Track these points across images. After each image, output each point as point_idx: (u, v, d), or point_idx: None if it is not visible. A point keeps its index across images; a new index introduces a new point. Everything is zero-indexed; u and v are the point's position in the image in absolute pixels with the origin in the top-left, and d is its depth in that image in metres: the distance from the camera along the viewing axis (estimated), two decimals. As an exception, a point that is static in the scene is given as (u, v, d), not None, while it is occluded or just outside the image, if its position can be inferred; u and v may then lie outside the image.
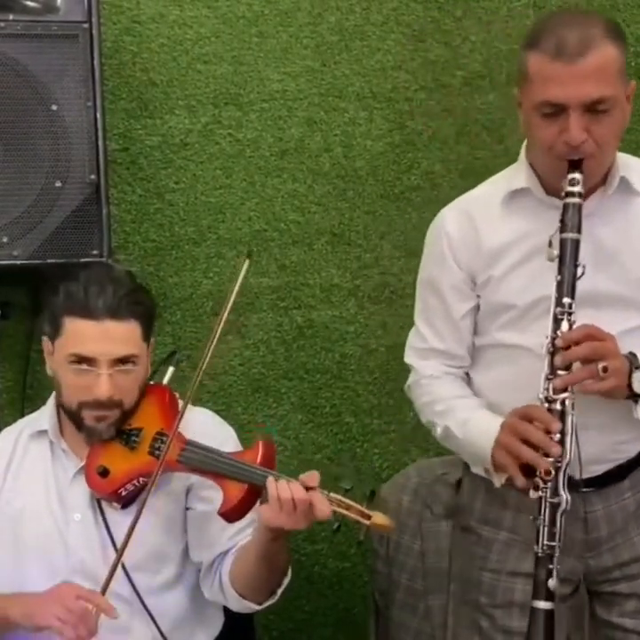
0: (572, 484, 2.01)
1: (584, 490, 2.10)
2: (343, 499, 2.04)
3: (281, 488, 2.02)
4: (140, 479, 2.14)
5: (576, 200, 1.97)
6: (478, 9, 3.11)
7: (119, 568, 2.12)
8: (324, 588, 3.07)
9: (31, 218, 2.54)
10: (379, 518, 2.03)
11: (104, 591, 2.06)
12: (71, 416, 2.20)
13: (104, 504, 2.20)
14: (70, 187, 2.57)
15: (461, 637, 2.37)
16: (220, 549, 2.21)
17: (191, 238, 2.99)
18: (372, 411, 3.08)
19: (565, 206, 1.97)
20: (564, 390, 1.95)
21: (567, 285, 1.96)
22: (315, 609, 3.06)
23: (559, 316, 1.96)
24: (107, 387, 2.12)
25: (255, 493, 2.09)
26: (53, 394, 2.31)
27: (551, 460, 1.93)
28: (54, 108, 2.54)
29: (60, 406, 2.24)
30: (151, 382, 2.27)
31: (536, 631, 1.94)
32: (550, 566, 1.94)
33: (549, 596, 1.94)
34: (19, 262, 2.55)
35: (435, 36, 3.08)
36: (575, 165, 1.97)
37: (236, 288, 2.12)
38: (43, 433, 2.28)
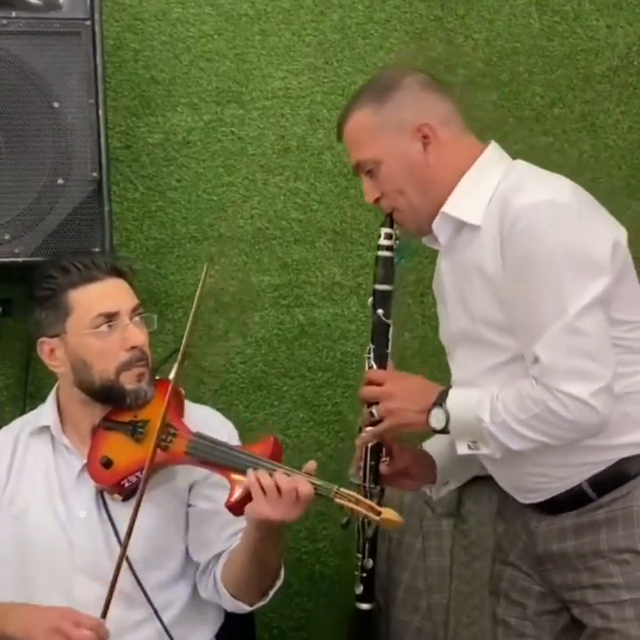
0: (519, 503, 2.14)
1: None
2: (352, 493, 2.04)
3: (262, 475, 2.02)
4: (144, 471, 2.14)
5: (386, 253, 2.15)
6: (481, 7, 3.11)
7: (125, 565, 2.12)
8: (324, 587, 3.06)
9: (33, 215, 2.54)
10: (389, 514, 2.03)
11: (104, 615, 2.06)
12: (108, 391, 2.18)
13: (107, 499, 2.20)
14: (72, 184, 2.57)
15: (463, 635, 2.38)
16: (217, 551, 2.22)
17: (193, 236, 2.99)
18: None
19: (376, 259, 2.16)
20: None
21: (371, 332, 2.17)
22: (315, 607, 3.06)
23: (368, 361, 2.17)
24: (138, 332, 2.19)
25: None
26: (52, 392, 2.31)
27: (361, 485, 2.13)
28: (56, 105, 2.54)
29: (88, 390, 2.20)
30: (158, 377, 2.27)
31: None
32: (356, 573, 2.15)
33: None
34: (20, 259, 2.55)
35: (437, 34, 3.07)
36: (388, 220, 2.15)
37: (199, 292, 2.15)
38: (44, 429, 2.28)
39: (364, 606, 2.17)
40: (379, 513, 2.02)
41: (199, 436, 2.15)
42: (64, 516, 2.22)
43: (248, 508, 2.04)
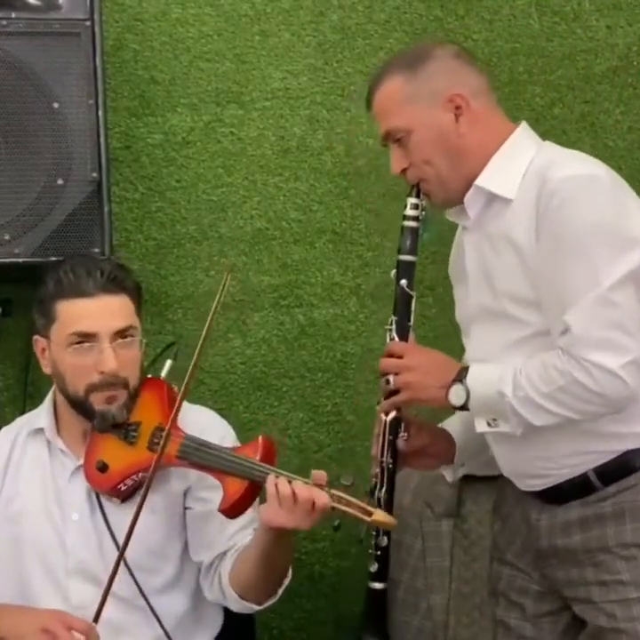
0: (517, 490, 2.14)
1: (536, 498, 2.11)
2: (344, 495, 2.04)
3: (280, 483, 2.01)
4: (140, 474, 2.14)
5: (412, 224, 2.12)
6: (480, 8, 3.11)
7: (123, 569, 2.12)
8: (324, 587, 3.06)
9: (33, 216, 2.54)
10: (380, 515, 2.03)
11: (96, 619, 2.05)
12: (79, 406, 2.17)
13: (103, 501, 2.20)
14: (72, 185, 2.57)
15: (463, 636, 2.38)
16: (220, 549, 2.21)
17: (193, 236, 2.99)
18: (373, 409, 3.06)
19: (402, 229, 2.14)
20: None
21: (394, 303, 2.14)
22: (315, 608, 3.06)
23: (389, 333, 2.14)
24: (112, 359, 2.12)
25: (255, 489, 2.08)
26: (50, 392, 2.30)
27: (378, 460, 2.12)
28: (56, 105, 2.55)
29: (65, 399, 2.21)
30: (149, 375, 2.26)
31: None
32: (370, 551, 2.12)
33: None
34: (20, 260, 2.55)
35: (437, 34, 3.07)
36: (414, 190, 2.12)
37: (218, 300, 2.12)
38: (39, 431, 2.27)
39: (378, 585, 2.14)
40: (370, 514, 2.02)
41: (190, 438, 2.14)
42: (58, 518, 2.22)
43: (262, 514, 2.04)
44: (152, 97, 2.95)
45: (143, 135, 2.94)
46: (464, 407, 2.01)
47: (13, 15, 2.53)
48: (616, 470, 2.01)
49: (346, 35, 3.04)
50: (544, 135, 2.91)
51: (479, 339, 2.11)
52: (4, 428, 2.36)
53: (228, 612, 2.30)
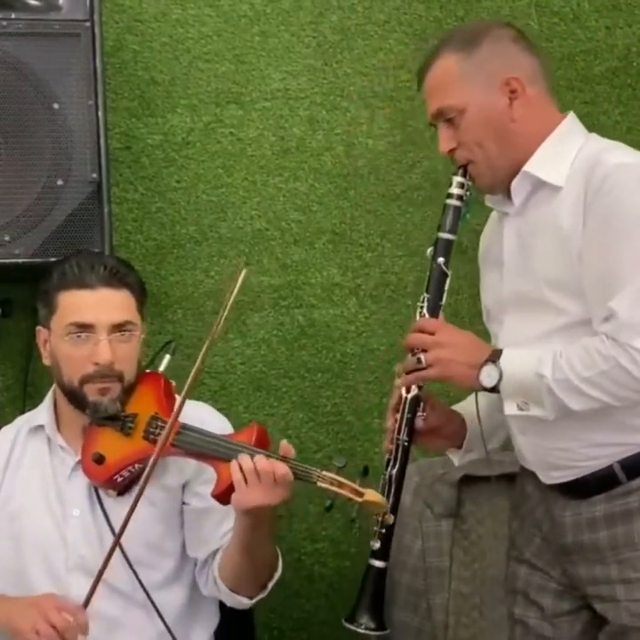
0: (542, 485, 2.11)
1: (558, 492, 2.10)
2: (335, 476, 2.05)
3: (243, 461, 2.04)
4: (136, 465, 2.15)
5: (455, 202, 2.10)
6: (480, 8, 3.11)
7: (122, 563, 2.13)
8: (324, 587, 3.06)
9: (33, 216, 2.55)
10: (371, 495, 2.03)
11: (86, 605, 2.06)
12: (73, 396, 2.19)
13: (102, 496, 2.21)
14: (72, 185, 2.57)
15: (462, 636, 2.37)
16: (215, 546, 2.22)
17: (192, 237, 2.99)
18: (373, 410, 3.08)
19: (444, 207, 2.11)
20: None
21: (427, 280, 2.11)
22: (315, 608, 3.06)
23: (420, 310, 2.12)
24: (107, 351, 2.14)
25: None
26: (51, 390, 2.31)
27: (393, 436, 2.10)
28: (56, 106, 2.55)
29: (61, 390, 2.22)
30: (147, 371, 2.27)
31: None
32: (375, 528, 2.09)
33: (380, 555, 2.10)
34: (20, 260, 2.55)
35: (437, 35, 3.06)
36: (461, 170, 2.09)
37: (232, 298, 2.12)
38: (40, 428, 2.28)
39: (378, 564, 2.11)
40: (361, 494, 2.03)
41: (185, 427, 2.15)
42: (59, 514, 2.23)
43: (233, 497, 2.06)
44: (152, 97, 2.95)
45: (143, 136, 2.94)
46: (494, 389, 1.99)
47: (13, 16, 2.53)
48: None
49: (345, 35, 3.05)
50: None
51: (514, 326, 2.09)
52: (5, 427, 2.37)
53: (227, 612, 2.31)
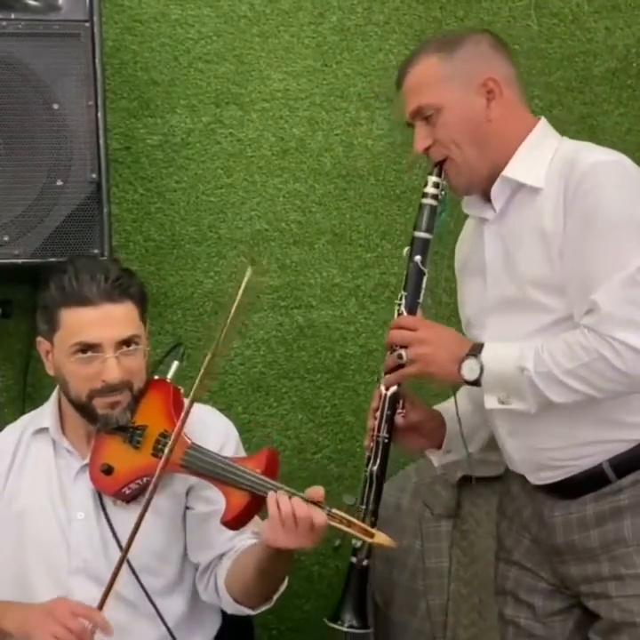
0: (529, 486, 2.12)
1: (547, 493, 2.10)
2: (345, 515, 2.02)
3: (282, 504, 2.00)
4: (144, 478, 2.14)
5: (431, 201, 2.12)
6: (480, 9, 3.11)
7: (127, 572, 2.12)
8: (323, 588, 3.06)
9: (32, 216, 2.54)
10: (381, 538, 2.01)
11: (101, 607, 2.05)
12: (82, 409, 2.17)
13: (106, 502, 2.20)
14: (71, 186, 2.57)
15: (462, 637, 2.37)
16: (218, 551, 2.21)
17: (192, 237, 2.99)
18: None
19: (420, 206, 2.14)
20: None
21: (405, 278, 2.13)
22: (314, 608, 3.06)
23: (398, 308, 2.12)
24: (116, 369, 2.12)
25: (257, 503, 2.06)
26: (55, 391, 2.31)
27: (373, 434, 2.12)
28: (56, 106, 2.55)
29: (68, 401, 2.21)
30: (156, 377, 2.25)
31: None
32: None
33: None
34: (20, 261, 2.55)
35: (436, 36, 3.07)
36: (436, 169, 2.12)
37: (238, 298, 2.09)
38: (44, 430, 2.27)
39: (360, 562, 2.11)
40: (372, 535, 2.01)
41: (194, 448, 2.13)
42: (63, 517, 2.22)
43: (265, 533, 2.02)
44: (151, 98, 2.95)
45: (143, 136, 2.94)
46: (476, 382, 2.00)
47: (13, 16, 2.53)
48: (630, 462, 2.01)
49: (345, 36, 3.05)
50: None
51: (497, 329, 2.09)
52: (9, 426, 2.36)
53: (226, 613, 2.30)
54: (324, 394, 3.07)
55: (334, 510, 2.01)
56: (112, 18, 2.88)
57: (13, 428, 2.34)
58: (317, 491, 2.03)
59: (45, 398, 2.35)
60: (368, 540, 2.01)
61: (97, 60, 2.57)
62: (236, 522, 2.08)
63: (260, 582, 2.13)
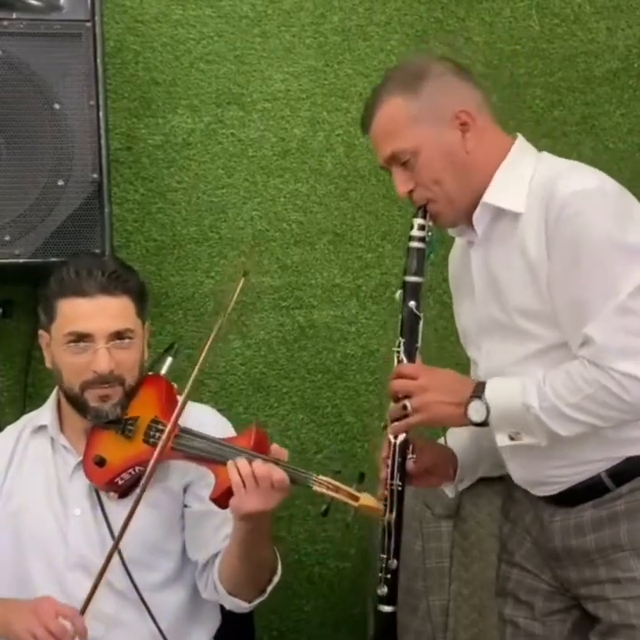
0: (530, 493, 2.14)
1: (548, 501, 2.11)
2: (332, 480, 2.06)
3: (241, 466, 2.04)
4: (137, 468, 2.16)
5: (418, 245, 2.10)
6: (481, 10, 3.11)
7: (118, 563, 2.14)
8: (324, 588, 3.07)
9: (33, 216, 2.54)
10: (367, 500, 2.05)
11: (84, 610, 2.07)
12: (75, 402, 2.20)
13: (103, 497, 2.21)
14: (73, 185, 2.57)
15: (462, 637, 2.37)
16: (214, 550, 2.22)
17: (193, 238, 2.99)
18: (373, 411, 3.08)
19: (407, 250, 2.11)
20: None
21: (400, 325, 2.10)
22: (315, 609, 3.06)
23: (397, 355, 2.10)
24: (106, 360, 2.14)
25: None
26: (54, 390, 2.31)
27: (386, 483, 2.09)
28: (57, 106, 2.54)
29: (63, 394, 2.23)
30: (150, 373, 2.27)
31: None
32: (380, 574, 2.08)
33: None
34: (21, 261, 2.55)
35: (437, 36, 3.08)
36: (420, 211, 2.09)
37: (231, 305, 2.14)
38: (43, 428, 2.29)
39: (387, 609, 2.11)
40: (357, 499, 2.04)
41: (184, 430, 2.16)
42: (60, 514, 2.23)
43: (231, 502, 2.06)
44: (153, 98, 2.95)
45: (144, 136, 2.95)
46: (484, 423, 2.00)
47: (14, 16, 2.53)
48: (628, 471, 2.02)
49: (346, 36, 3.05)
50: (544, 137, 2.92)
51: (492, 351, 2.10)
52: (9, 426, 2.39)
53: (227, 614, 2.31)
54: (325, 394, 3.07)
55: (321, 476, 2.05)
56: (113, 18, 2.88)
57: (13, 428, 2.37)
58: (280, 450, 2.10)
59: (46, 398, 2.36)
60: (354, 503, 2.03)
61: (98, 60, 2.57)
62: (224, 498, 2.09)
63: (244, 565, 2.14)
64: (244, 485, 2.03)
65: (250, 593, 2.20)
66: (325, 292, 3.06)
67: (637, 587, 2.00)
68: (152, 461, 2.09)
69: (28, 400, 2.83)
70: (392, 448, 2.11)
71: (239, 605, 2.20)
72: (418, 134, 2.03)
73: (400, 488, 2.10)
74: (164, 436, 2.11)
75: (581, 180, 1.98)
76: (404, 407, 2.05)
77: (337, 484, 2.05)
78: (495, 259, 2.07)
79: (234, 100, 2.99)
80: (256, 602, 2.21)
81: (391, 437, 2.11)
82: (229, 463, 2.06)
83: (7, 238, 2.53)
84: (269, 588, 2.21)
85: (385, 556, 2.10)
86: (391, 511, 2.09)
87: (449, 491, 2.27)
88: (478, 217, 2.06)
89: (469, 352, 2.22)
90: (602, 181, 2.00)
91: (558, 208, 1.94)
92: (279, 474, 2.04)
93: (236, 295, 2.13)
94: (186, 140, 2.97)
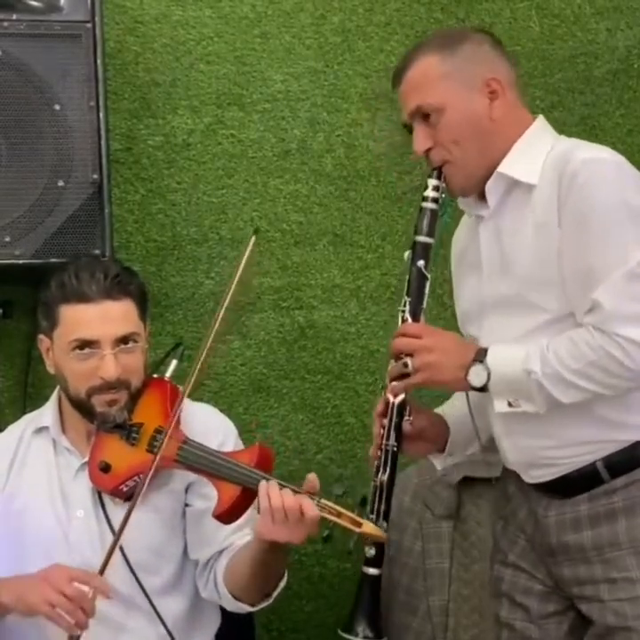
0: (525, 485, 2.13)
1: (543, 493, 2.10)
2: (334, 505, 2.02)
3: (272, 495, 2.00)
4: (141, 475, 2.15)
5: (431, 205, 2.10)
6: (481, 10, 3.12)
7: (123, 567, 2.13)
8: (324, 588, 3.07)
9: (33, 217, 2.55)
10: (369, 527, 2.02)
11: (102, 572, 2.04)
12: (80, 406, 2.19)
13: (106, 500, 2.21)
14: (73, 186, 2.57)
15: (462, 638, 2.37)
16: (217, 548, 2.21)
17: (193, 238, 2.99)
18: (373, 411, 3.08)
19: (420, 210, 2.11)
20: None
21: (407, 284, 2.10)
22: (315, 609, 3.06)
23: (401, 315, 2.10)
24: (113, 366, 2.13)
25: (249, 496, 2.07)
26: (55, 391, 2.31)
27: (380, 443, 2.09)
28: (57, 107, 2.55)
29: (68, 399, 2.22)
30: (154, 375, 2.27)
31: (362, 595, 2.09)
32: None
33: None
34: (21, 261, 2.55)
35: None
36: (436, 172, 2.10)
37: (241, 267, 2.11)
38: (45, 429, 2.29)
39: (373, 571, 2.09)
40: (359, 525, 2.01)
41: (189, 442, 2.15)
42: (63, 515, 2.23)
43: (256, 527, 2.03)
44: (153, 99, 2.95)
45: (144, 137, 2.95)
46: (484, 388, 2.00)
47: (14, 17, 2.53)
48: (624, 462, 2.01)
49: (346, 37, 3.05)
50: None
51: (494, 328, 2.09)
52: (11, 426, 2.38)
53: (227, 614, 2.31)
54: (325, 394, 3.08)
55: (323, 501, 2.02)
56: (113, 19, 2.88)
57: (15, 428, 2.36)
58: (312, 482, 2.04)
59: (46, 399, 2.35)
60: (356, 529, 2.01)
61: (98, 61, 2.57)
62: (227, 515, 2.09)
63: (256, 577, 2.13)
64: (273, 516, 1.98)
65: (255, 598, 2.19)
66: (325, 293, 3.06)
67: (633, 587, 1.99)
68: (148, 475, 2.09)
69: (28, 400, 2.83)
70: (390, 407, 2.10)
71: (242, 608, 2.20)
72: (446, 92, 2.05)
73: (395, 449, 2.09)
74: (160, 443, 2.11)
75: (595, 151, 2.01)
76: (405, 365, 2.04)
77: (340, 509, 2.02)
78: (505, 231, 2.07)
79: (234, 100, 2.99)
80: (260, 606, 2.20)
81: (390, 396, 2.10)
82: (261, 487, 2.01)
83: (7, 239, 2.53)
84: (275, 594, 2.20)
85: (374, 517, 2.08)
86: (384, 472, 2.08)
87: (438, 462, 2.26)
88: (491, 187, 2.07)
89: (469, 332, 2.20)
90: (615, 154, 2.01)
91: (570, 175, 1.95)
92: (311, 509, 1.99)
93: (248, 252, 2.09)
94: (186, 141, 2.97)
